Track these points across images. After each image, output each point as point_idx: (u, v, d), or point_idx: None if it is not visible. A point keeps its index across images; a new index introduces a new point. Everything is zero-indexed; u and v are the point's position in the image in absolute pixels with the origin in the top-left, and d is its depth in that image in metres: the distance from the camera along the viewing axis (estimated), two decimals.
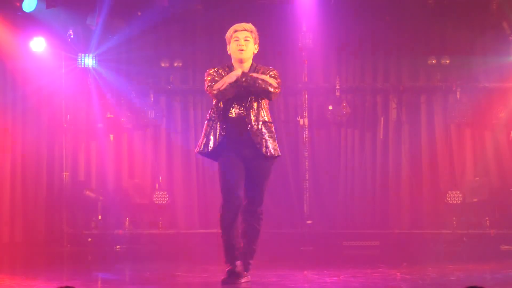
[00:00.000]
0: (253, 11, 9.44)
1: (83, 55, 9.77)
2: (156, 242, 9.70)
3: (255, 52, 6.10)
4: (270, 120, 6.05)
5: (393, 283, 6.17)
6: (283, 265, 7.43)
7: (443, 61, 9.73)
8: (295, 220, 9.76)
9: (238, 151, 5.96)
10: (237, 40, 6.01)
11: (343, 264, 7.60)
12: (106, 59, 9.84)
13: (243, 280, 5.96)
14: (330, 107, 9.77)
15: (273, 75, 5.99)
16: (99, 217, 9.79)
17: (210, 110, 6.06)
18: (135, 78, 10.02)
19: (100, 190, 9.89)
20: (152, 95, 10.00)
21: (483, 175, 9.73)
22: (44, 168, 9.85)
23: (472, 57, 9.73)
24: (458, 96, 9.76)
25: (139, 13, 9.75)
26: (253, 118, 5.94)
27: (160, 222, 9.86)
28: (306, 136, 9.83)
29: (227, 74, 5.94)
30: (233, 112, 5.96)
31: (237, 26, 6.07)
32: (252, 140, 5.93)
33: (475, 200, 9.61)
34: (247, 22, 6.13)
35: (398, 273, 6.85)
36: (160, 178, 9.96)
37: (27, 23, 9.39)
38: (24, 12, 9.19)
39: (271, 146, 5.98)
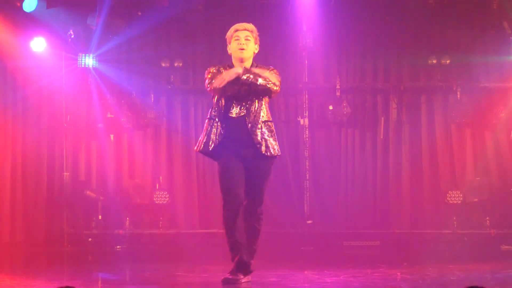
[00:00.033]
0: (254, 11, 9.44)
1: (83, 55, 9.77)
2: (156, 242, 9.71)
3: (256, 52, 6.10)
4: (270, 119, 6.05)
5: (394, 283, 6.16)
6: (284, 265, 7.43)
7: (443, 61, 9.73)
8: (295, 220, 9.76)
9: (238, 151, 5.96)
10: (237, 39, 6.02)
11: (343, 264, 7.60)
12: (106, 59, 9.84)
13: (243, 280, 5.95)
14: (331, 107, 9.78)
15: (272, 79, 5.99)
16: (100, 217, 9.80)
17: (210, 109, 6.07)
18: (136, 78, 10.01)
19: (101, 190, 9.89)
20: (152, 95, 10.01)
21: (484, 175, 9.73)
22: (45, 168, 9.86)
23: (472, 57, 9.73)
24: (458, 96, 9.76)
25: (140, 13, 9.76)
26: (253, 117, 5.95)
27: (161, 222, 9.86)
28: (307, 136, 9.83)
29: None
30: (233, 111, 5.96)
31: (238, 25, 6.08)
32: (252, 140, 5.94)
33: (476, 200, 9.61)
34: (247, 22, 6.14)
35: (398, 273, 6.85)
36: (161, 178, 9.96)
37: (28, 23, 9.40)
38: (24, 12, 9.19)
39: (271, 145, 5.98)
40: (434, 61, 9.74)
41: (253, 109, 5.95)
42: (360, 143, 9.94)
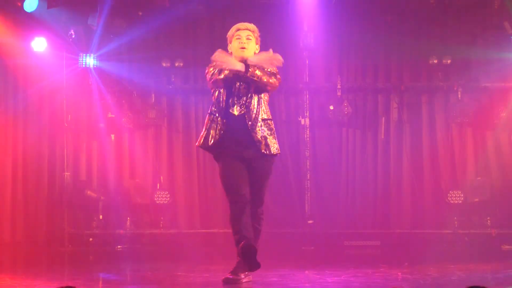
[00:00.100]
0: (255, 11, 9.45)
1: (84, 55, 9.78)
2: (157, 242, 9.71)
3: (257, 52, 6.10)
4: (270, 118, 6.05)
5: (394, 283, 6.16)
6: (285, 265, 7.42)
7: (444, 61, 9.73)
8: (296, 219, 9.76)
9: (239, 152, 5.95)
10: (239, 38, 6.03)
11: (344, 264, 7.59)
12: (107, 59, 9.85)
13: (244, 280, 5.95)
14: (331, 107, 9.77)
15: (272, 71, 5.99)
16: (100, 217, 9.80)
17: (211, 105, 6.06)
18: (136, 78, 10.01)
19: (101, 190, 9.89)
20: (153, 95, 10.01)
21: (485, 175, 9.73)
22: (45, 168, 9.86)
23: (473, 57, 9.73)
24: (459, 96, 9.75)
25: (140, 13, 9.76)
26: (253, 115, 5.95)
27: (161, 222, 9.86)
28: (308, 136, 9.82)
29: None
30: (233, 109, 5.96)
31: (239, 25, 6.08)
32: (252, 138, 5.93)
33: (477, 200, 9.61)
34: (248, 21, 6.15)
35: (399, 273, 6.84)
36: (161, 178, 9.97)
37: (29, 23, 9.40)
38: (25, 12, 9.20)
39: (271, 144, 5.98)
40: (435, 61, 9.73)
41: (253, 107, 5.96)
42: (361, 143, 9.93)
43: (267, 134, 5.99)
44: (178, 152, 10.08)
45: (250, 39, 6.03)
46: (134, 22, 9.76)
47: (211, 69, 6.01)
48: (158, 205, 9.84)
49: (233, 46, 6.05)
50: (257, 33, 6.09)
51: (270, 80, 5.96)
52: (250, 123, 5.94)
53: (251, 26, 6.09)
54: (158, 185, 9.96)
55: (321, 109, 9.89)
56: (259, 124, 5.96)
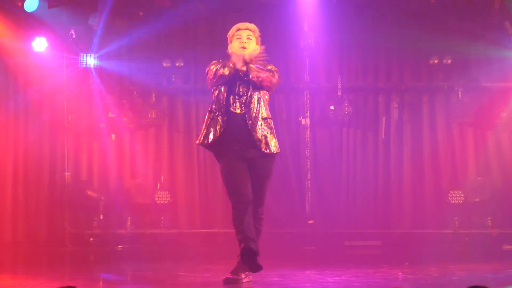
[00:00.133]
0: (255, 11, 9.45)
1: (85, 55, 9.78)
2: (158, 241, 9.71)
3: (257, 52, 6.09)
4: (270, 116, 6.05)
5: (395, 283, 6.15)
6: (285, 265, 7.42)
7: (445, 61, 9.73)
8: (297, 219, 9.76)
9: (239, 151, 5.95)
10: (239, 38, 6.03)
11: (345, 264, 7.59)
12: (107, 59, 9.85)
13: (245, 280, 5.95)
14: (332, 107, 9.77)
15: (271, 69, 6.00)
16: (101, 216, 9.80)
17: (211, 103, 6.05)
18: (137, 78, 10.02)
19: (102, 189, 9.90)
20: (153, 95, 10.01)
21: (485, 175, 9.73)
22: (46, 167, 9.87)
23: (474, 57, 9.73)
24: (460, 96, 9.75)
25: (141, 13, 9.76)
26: (253, 114, 5.95)
27: (162, 222, 9.86)
28: (308, 136, 9.82)
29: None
30: (233, 108, 5.96)
31: (240, 24, 6.09)
32: (252, 137, 5.93)
33: (477, 199, 9.61)
34: (249, 21, 6.15)
35: (400, 273, 6.84)
36: (162, 178, 9.97)
37: (29, 23, 9.40)
38: (26, 12, 9.20)
39: (271, 143, 5.98)
40: (436, 61, 9.74)
41: (253, 106, 5.95)
42: (361, 143, 9.93)
43: (267, 133, 5.99)
44: (178, 152, 10.08)
45: (251, 39, 6.04)
46: (135, 22, 9.77)
47: (213, 66, 6.01)
48: (159, 205, 9.85)
49: (234, 45, 6.05)
50: (257, 33, 6.09)
51: (272, 79, 5.97)
52: (250, 122, 5.94)
53: (252, 26, 6.09)
54: (158, 185, 9.96)
55: (322, 109, 9.89)
56: (259, 123, 5.96)
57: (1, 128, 9.69)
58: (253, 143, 5.94)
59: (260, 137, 5.95)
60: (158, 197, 9.84)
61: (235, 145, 5.95)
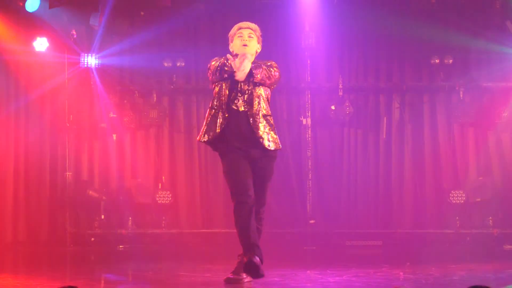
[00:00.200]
0: (256, 11, 9.45)
1: (86, 55, 9.78)
2: (159, 241, 9.71)
3: (258, 51, 6.11)
4: (270, 114, 6.04)
5: (396, 283, 6.15)
6: (286, 265, 7.42)
7: (446, 61, 9.73)
8: (298, 219, 9.76)
9: (244, 150, 5.93)
10: (241, 36, 6.03)
11: (346, 264, 7.59)
12: (109, 59, 9.85)
13: (246, 280, 5.95)
14: (333, 107, 9.77)
15: (271, 65, 6.00)
16: (102, 216, 9.81)
17: (212, 99, 6.04)
18: (138, 78, 10.02)
19: (103, 189, 9.90)
20: (155, 95, 10.01)
21: (486, 175, 9.72)
22: (47, 167, 9.87)
23: (475, 57, 9.73)
24: (461, 96, 9.75)
25: (142, 13, 9.76)
26: (254, 111, 5.94)
27: (163, 222, 9.86)
28: (309, 136, 9.83)
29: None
30: (234, 104, 5.95)
31: (241, 24, 6.10)
32: (254, 134, 5.91)
33: (478, 199, 9.60)
34: (250, 22, 6.15)
35: (401, 273, 6.84)
36: (163, 177, 9.97)
37: (30, 23, 9.41)
38: (27, 12, 9.20)
39: (272, 139, 5.98)
40: (437, 61, 9.73)
41: (255, 103, 5.94)
42: (362, 143, 9.93)
43: (268, 129, 5.98)
44: (179, 151, 10.08)
45: (252, 38, 6.04)
46: (136, 22, 9.77)
47: (214, 62, 6.00)
48: (160, 205, 9.85)
49: (235, 44, 6.05)
50: (258, 32, 6.09)
51: (272, 78, 5.97)
52: (251, 119, 5.93)
53: (253, 25, 6.10)
54: (159, 185, 9.96)
55: (323, 109, 9.89)
56: (260, 120, 5.95)
57: (2, 128, 9.70)
58: (256, 140, 5.93)
59: (262, 134, 5.94)
60: (159, 197, 9.84)
61: (236, 142, 5.94)
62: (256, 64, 5.96)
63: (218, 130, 5.94)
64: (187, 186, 10.02)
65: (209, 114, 6.02)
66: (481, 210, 9.61)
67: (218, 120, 5.96)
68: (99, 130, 9.93)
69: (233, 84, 5.95)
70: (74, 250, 9.48)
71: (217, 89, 6.01)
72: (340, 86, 9.79)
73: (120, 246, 9.58)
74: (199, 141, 6.05)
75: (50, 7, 9.31)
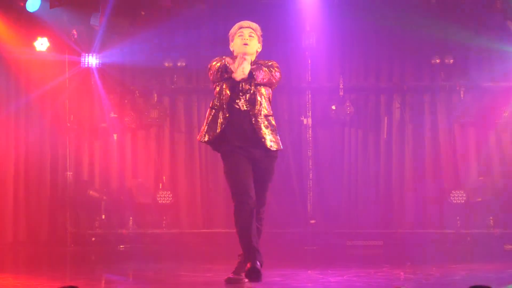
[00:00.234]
0: (257, 11, 9.44)
1: (86, 55, 9.79)
2: (159, 241, 9.72)
3: (259, 50, 6.10)
4: (271, 114, 6.04)
5: (397, 283, 6.15)
6: (287, 265, 7.42)
7: (446, 61, 9.72)
8: (298, 219, 9.76)
9: (244, 151, 5.93)
10: (241, 35, 6.02)
11: (346, 264, 7.58)
12: (109, 59, 9.85)
13: (246, 280, 5.94)
14: (334, 107, 9.77)
15: (272, 65, 5.99)
16: (103, 216, 9.81)
17: (212, 99, 6.03)
18: (139, 78, 10.03)
19: (104, 189, 9.90)
20: (155, 95, 10.02)
21: (487, 175, 9.72)
22: (48, 167, 9.87)
23: (476, 57, 9.72)
24: (462, 96, 9.75)
25: (143, 13, 9.76)
26: (256, 111, 5.93)
27: (164, 222, 9.86)
28: (310, 135, 9.82)
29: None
30: (236, 104, 5.94)
31: (242, 23, 6.09)
32: (256, 134, 5.90)
33: (479, 199, 9.60)
34: (251, 21, 6.14)
35: (402, 273, 6.84)
36: (164, 177, 9.97)
37: (31, 23, 9.41)
38: (27, 12, 9.21)
39: (274, 139, 5.97)
40: (438, 61, 9.73)
41: (256, 103, 5.93)
42: (363, 143, 9.93)
43: (270, 130, 5.98)
44: (180, 152, 10.08)
45: (253, 37, 6.03)
46: (137, 22, 9.77)
47: (214, 62, 5.99)
48: (161, 205, 9.85)
49: (236, 43, 6.04)
50: (259, 32, 6.09)
51: (272, 79, 5.97)
52: (253, 119, 5.92)
53: (254, 24, 6.09)
54: (160, 185, 9.96)
55: (323, 109, 9.89)
56: (262, 120, 5.94)
57: (3, 128, 9.70)
58: (258, 140, 5.91)
59: (264, 135, 5.93)
60: (160, 197, 9.84)
61: (237, 142, 5.93)
62: (257, 64, 5.95)
63: (218, 130, 5.93)
64: (188, 186, 10.02)
65: (210, 114, 6.01)
66: (481, 210, 9.61)
67: (219, 120, 5.95)
68: (99, 130, 9.94)
69: (235, 84, 5.94)
70: (75, 250, 9.48)
71: (218, 88, 6.00)
72: (341, 86, 9.79)
73: (121, 246, 9.58)
74: (200, 141, 6.04)
75: (50, 7, 9.31)
